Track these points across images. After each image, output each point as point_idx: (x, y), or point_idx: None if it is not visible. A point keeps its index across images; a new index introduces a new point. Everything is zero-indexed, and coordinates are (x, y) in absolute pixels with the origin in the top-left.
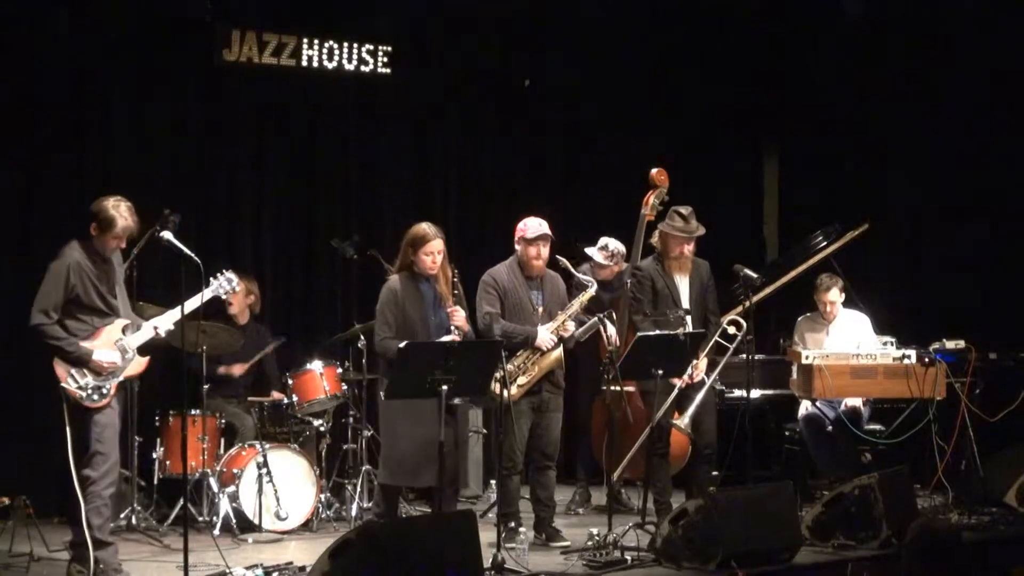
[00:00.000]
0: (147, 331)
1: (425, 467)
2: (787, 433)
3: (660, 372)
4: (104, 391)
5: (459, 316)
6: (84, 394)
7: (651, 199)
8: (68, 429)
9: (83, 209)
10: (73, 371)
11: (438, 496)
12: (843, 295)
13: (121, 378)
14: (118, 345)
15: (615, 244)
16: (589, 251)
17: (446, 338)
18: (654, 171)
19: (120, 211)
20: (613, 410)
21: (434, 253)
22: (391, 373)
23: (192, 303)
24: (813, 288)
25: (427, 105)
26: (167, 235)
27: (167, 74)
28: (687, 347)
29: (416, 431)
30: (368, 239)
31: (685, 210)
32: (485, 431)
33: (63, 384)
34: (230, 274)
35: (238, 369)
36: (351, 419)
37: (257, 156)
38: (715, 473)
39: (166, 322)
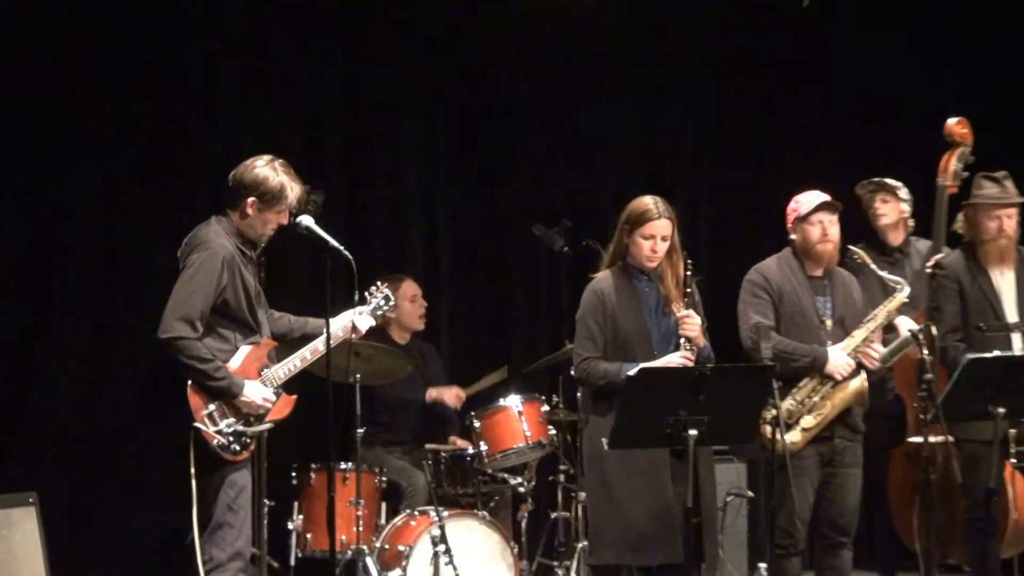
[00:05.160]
0: (295, 360)
1: (656, 539)
2: None
3: (1001, 411)
4: (246, 440)
5: (692, 324)
6: (224, 441)
7: (951, 162)
8: (195, 487)
9: (185, 188)
10: (212, 407)
11: None
12: None
13: (267, 425)
14: (263, 376)
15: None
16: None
17: (672, 356)
18: (952, 122)
19: (283, 174)
20: (931, 466)
21: (656, 237)
22: (618, 413)
23: (342, 322)
24: None
25: (666, 41)
26: (307, 221)
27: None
28: None
29: (642, 488)
30: (583, 224)
31: (998, 174)
32: (751, 494)
33: (197, 424)
34: (386, 289)
35: (452, 397)
36: (562, 476)
37: (425, 112)
38: None
39: (315, 346)
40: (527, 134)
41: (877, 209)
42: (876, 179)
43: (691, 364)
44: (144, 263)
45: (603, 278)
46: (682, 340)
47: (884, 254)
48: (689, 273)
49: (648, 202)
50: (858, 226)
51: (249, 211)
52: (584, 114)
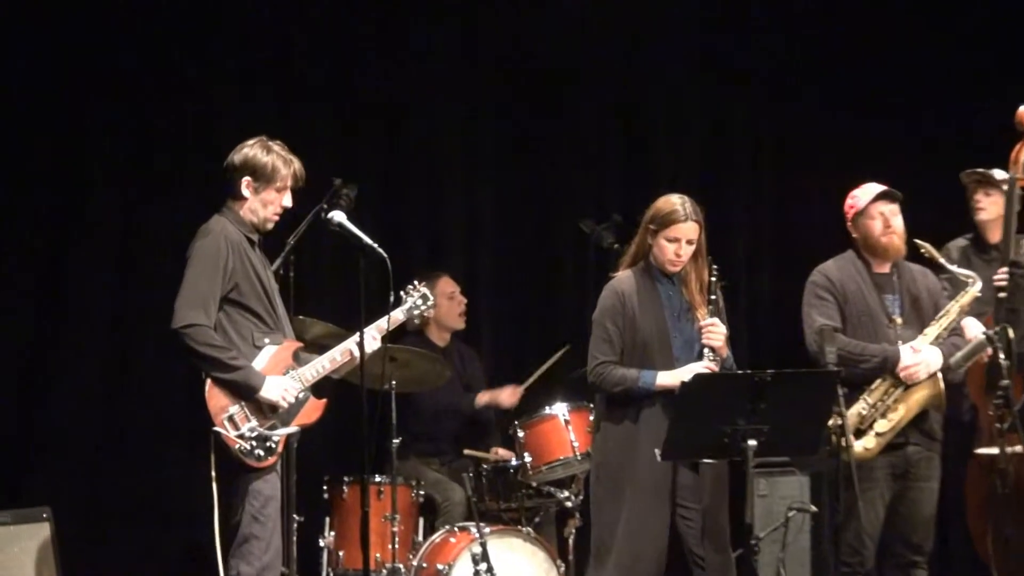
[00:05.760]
0: (324, 361)
1: (651, 562)
2: None
3: None
4: (271, 445)
5: (716, 333)
6: (246, 446)
7: (1023, 153)
8: (216, 497)
9: (207, 191)
10: (233, 409)
11: None
12: None
13: (292, 428)
14: (290, 377)
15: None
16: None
17: (694, 365)
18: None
19: (277, 151)
20: (1006, 478)
21: (681, 240)
22: (672, 421)
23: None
24: None
25: (727, 25)
26: (338, 217)
27: None
28: None
29: (647, 505)
30: (634, 220)
31: None
32: (815, 509)
33: (217, 428)
34: (423, 288)
35: (509, 396)
36: None
37: (467, 100)
38: None
39: (346, 347)
40: (576, 123)
41: (978, 202)
42: (982, 169)
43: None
44: (162, 271)
45: (624, 278)
46: (705, 349)
47: (981, 251)
48: (714, 279)
49: (675, 202)
50: (960, 218)
51: (246, 192)
52: (638, 102)
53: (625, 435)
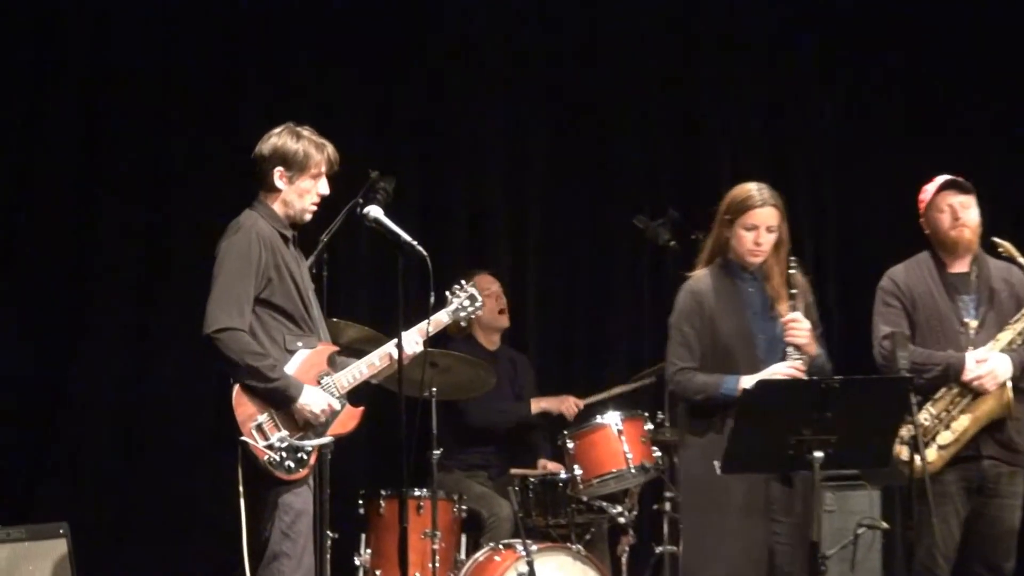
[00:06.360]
0: (362, 366)
1: None
2: None
3: None
4: (303, 456)
5: (800, 329)
6: (275, 458)
7: None
8: (243, 511)
9: (237, 188)
10: (262, 418)
11: None
12: None
13: (326, 439)
14: (323, 384)
15: None
16: None
17: (778, 367)
18: None
19: (307, 136)
20: None
21: (760, 228)
22: (732, 432)
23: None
24: None
25: (788, 10)
26: (374, 211)
27: None
28: None
29: (737, 523)
30: (692, 215)
31: None
32: (886, 525)
33: (245, 439)
34: (471, 288)
35: (569, 407)
36: (668, 504)
37: (513, 85)
38: None
39: (386, 352)
40: (629, 112)
41: None
42: None
43: (800, 376)
44: (182, 278)
45: (700, 277)
46: (788, 348)
47: None
48: (793, 271)
49: (751, 188)
50: None
51: (280, 183)
52: (694, 86)
53: (711, 447)
